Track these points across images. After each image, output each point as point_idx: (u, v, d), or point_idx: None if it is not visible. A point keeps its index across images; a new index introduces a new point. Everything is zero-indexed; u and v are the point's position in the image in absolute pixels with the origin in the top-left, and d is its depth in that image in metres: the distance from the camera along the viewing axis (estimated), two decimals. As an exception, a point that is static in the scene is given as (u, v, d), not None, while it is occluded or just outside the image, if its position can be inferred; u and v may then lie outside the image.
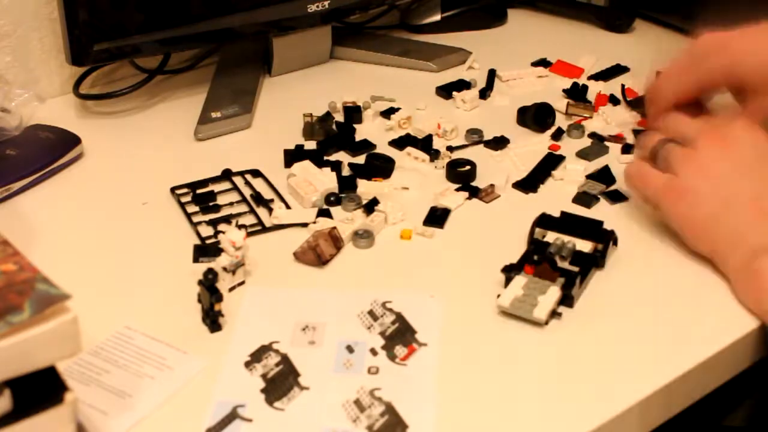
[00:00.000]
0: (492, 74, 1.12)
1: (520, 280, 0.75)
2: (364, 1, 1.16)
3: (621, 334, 0.73)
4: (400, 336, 0.72)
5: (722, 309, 0.75)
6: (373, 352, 0.71)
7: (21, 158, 0.92)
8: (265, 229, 0.85)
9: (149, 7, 0.99)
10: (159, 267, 0.81)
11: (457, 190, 0.90)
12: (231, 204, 0.89)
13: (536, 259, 0.76)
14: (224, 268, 0.76)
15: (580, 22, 1.28)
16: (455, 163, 0.93)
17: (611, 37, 1.25)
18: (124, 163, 0.96)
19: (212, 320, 0.73)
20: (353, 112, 1.03)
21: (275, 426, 0.65)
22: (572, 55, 1.16)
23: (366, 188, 0.90)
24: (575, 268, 0.76)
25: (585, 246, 0.79)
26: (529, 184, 0.91)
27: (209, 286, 0.72)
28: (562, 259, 0.78)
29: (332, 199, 0.88)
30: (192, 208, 0.88)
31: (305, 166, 0.91)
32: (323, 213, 0.86)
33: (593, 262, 0.78)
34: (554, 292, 0.73)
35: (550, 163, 0.94)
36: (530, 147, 0.98)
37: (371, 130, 1.01)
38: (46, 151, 0.94)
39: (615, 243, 0.81)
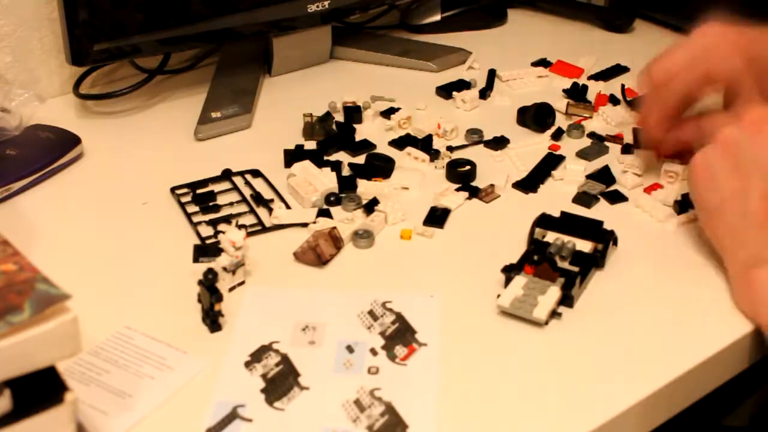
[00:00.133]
0: (492, 74, 1.12)
1: (520, 280, 0.75)
2: (364, 1, 1.16)
3: (621, 334, 0.73)
4: (400, 336, 0.72)
5: (721, 309, 0.75)
6: (373, 352, 0.71)
7: (21, 158, 0.92)
8: (265, 229, 0.85)
9: (149, 7, 0.99)
10: (159, 267, 0.81)
11: (457, 190, 0.90)
12: (231, 204, 0.89)
13: (536, 259, 0.76)
14: (224, 268, 0.76)
15: (580, 22, 1.28)
16: (455, 163, 0.93)
17: (611, 37, 1.25)
18: (124, 163, 0.96)
19: (212, 320, 0.73)
20: (353, 112, 1.03)
21: (275, 426, 0.65)
22: (572, 55, 1.16)
23: (366, 188, 0.90)
24: (575, 268, 0.76)
25: (585, 246, 0.79)
26: (529, 184, 0.91)
27: (209, 286, 0.72)
28: (562, 259, 0.78)
29: (332, 199, 0.88)
30: (192, 208, 0.88)
31: (305, 166, 0.91)
32: (323, 213, 0.86)
33: (593, 262, 0.78)
34: (554, 292, 0.73)
35: (550, 163, 0.94)
36: (530, 147, 0.98)
37: (371, 130, 1.01)
38: (46, 151, 0.94)
39: (615, 243, 0.81)
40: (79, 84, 1.05)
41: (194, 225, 0.85)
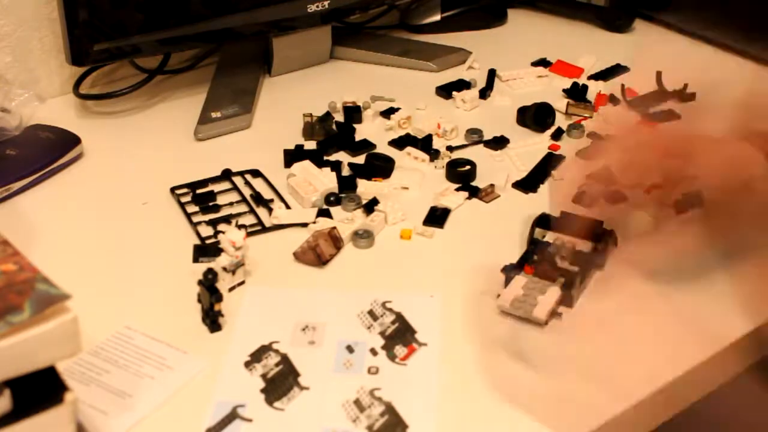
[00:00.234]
0: (492, 74, 1.12)
1: (520, 280, 0.75)
2: (364, 1, 1.16)
3: (621, 333, 0.73)
4: (400, 336, 0.72)
5: (721, 310, 0.75)
6: (373, 352, 0.71)
7: (21, 158, 0.92)
8: (265, 229, 0.85)
9: (149, 7, 0.99)
10: (159, 267, 0.81)
11: (457, 190, 0.90)
12: (231, 204, 0.89)
13: (536, 259, 0.76)
14: (224, 268, 0.76)
15: (580, 22, 1.28)
16: (455, 163, 0.93)
17: (611, 37, 1.25)
18: (124, 163, 0.96)
19: (212, 320, 0.73)
20: (353, 112, 1.03)
21: (275, 426, 0.65)
22: (572, 55, 1.16)
23: (366, 188, 0.90)
24: (575, 268, 0.76)
25: (585, 246, 0.79)
26: (529, 184, 0.91)
27: (209, 286, 0.72)
28: (562, 259, 0.78)
29: (332, 199, 0.88)
30: (192, 208, 0.88)
31: (305, 166, 0.91)
32: (323, 213, 0.86)
33: (593, 262, 0.78)
34: (554, 292, 0.73)
35: (550, 162, 0.94)
36: (530, 147, 0.98)
37: (371, 130, 1.01)
38: (46, 151, 0.94)
39: (615, 243, 0.80)
40: (79, 84, 1.05)
41: (194, 225, 0.85)
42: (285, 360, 0.70)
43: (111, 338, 0.72)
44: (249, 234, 0.82)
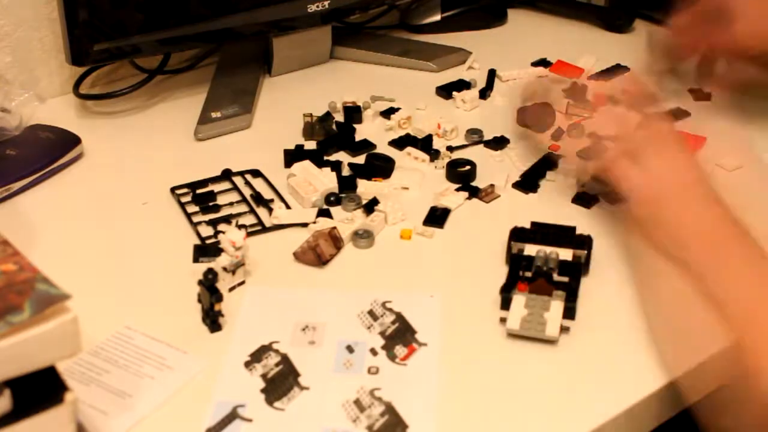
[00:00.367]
0: (492, 74, 1.12)
1: (520, 299, 0.73)
2: (364, 1, 1.16)
3: (619, 333, 0.73)
4: (400, 336, 0.72)
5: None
6: (373, 352, 0.71)
7: (21, 158, 0.92)
8: (265, 229, 0.85)
9: (149, 7, 0.99)
10: (159, 267, 0.81)
11: (457, 190, 0.90)
12: (231, 204, 0.88)
13: (531, 276, 0.75)
14: (224, 268, 0.76)
15: (580, 22, 1.28)
16: (455, 163, 0.93)
17: (611, 37, 1.25)
18: (124, 163, 0.96)
19: (212, 320, 0.73)
20: (353, 112, 1.02)
21: (275, 426, 0.65)
22: (572, 55, 1.16)
23: (366, 188, 0.90)
24: (564, 278, 0.75)
25: (565, 254, 0.78)
26: (529, 184, 0.91)
27: (209, 286, 0.72)
28: (550, 271, 0.76)
29: (332, 199, 0.88)
30: (192, 208, 0.88)
31: (305, 166, 0.91)
32: (323, 213, 0.86)
33: (580, 269, 0.77)
34: (557, 306, 0.72)
35: (549, 163, 0.94)
36: (530, 147, 0.98)
37: (371, 130, 1.01)
38: (46, 151, 0.94)
39: (591, 247, 0.79)
40: (79, 84, 1.05)
41: (194, 225, 0.85)
42: (285, 360, 0.70)
43: (111, 338, 0.72)
44: (249, 234, 0.82)
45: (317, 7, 1.10)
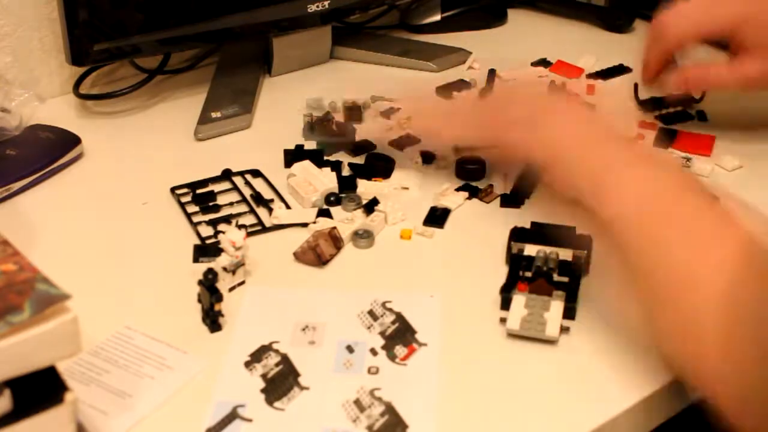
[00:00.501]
0: (492, 74, 1.12)
1: (520, 299, 0.73)
2: (364, 1, 1.16)
3: (618, 334, 0.73)
4: (400, 336, 0.72)
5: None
6: (373, 352, 0.71)
7: (21, 158, 0.92)
8: (265, 229, 0.85)
9: (149, 7, 0.99)
10: (159, 267, 0.81)
11: (458, 190, 0.90)
12: (231, 204, 0.89)
13: (531, 276, 0.75)
14: (224, 268, 0.76)
15: (580, 22, 1.28)
16: (464, 161, 0.92)
17: (611, 37, 1.25)
18: (124, 163, 0.96)
19: (212, 320, 0.73)
20: (354, 112, 1.02)
21: (275, 426, 0.65)
22: (572, 55, 1.16)
23: (366, 188, 0.90)
24: (564, 278, 0.75)
25: (565, 254, 0.78)
26: (515, 198, 0.89)
27: (209, 286, 0.72)
28: (550, 271, 0.76)
29: (332, 199, 0.88)
30: (192, 208, 0.88)
31: (305, 166, 0.91)
32: (323, 213, 0.86)
33: (581, 269, 0.77)
34: (557, 306, 0.72)
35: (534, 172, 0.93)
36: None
37: (371, 130, 1.01)
38: (46, 151, 0.94)
39: (591, 247, 0.79)
40: (79, 84, 1.05)
41: (194, 225, 0.85)
42: (285, 360, 0.70)
43: (111, 338, 0.72)
44: (249, 234, 0.82)
45: (317, 7, 1.10)
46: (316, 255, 0.80)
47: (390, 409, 0.66)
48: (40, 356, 0.56)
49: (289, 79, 1.13)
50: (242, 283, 0.78)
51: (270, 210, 0.87)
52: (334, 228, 0.82)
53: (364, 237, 0.83)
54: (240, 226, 0.84)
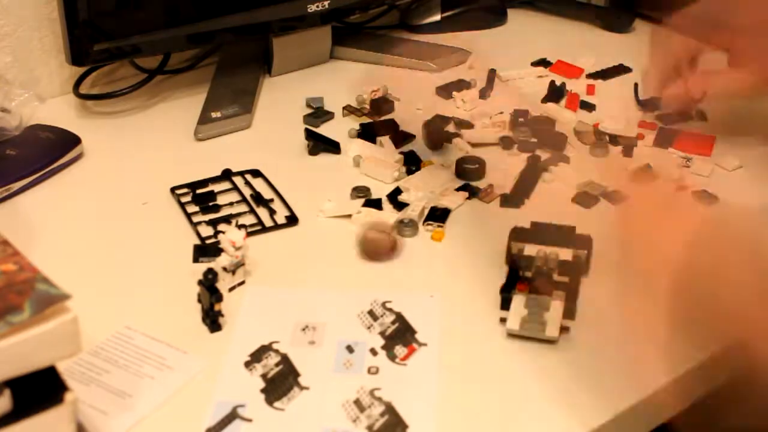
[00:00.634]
0: (492, 74, 1.12)
1: (520, 299, 0.73)
2: (364, 1, 1.16)
3: (618, 334, 0.73)
4: (400, 336, 0.72)
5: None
6: (373, 352, 0.71)
7: (21, 158, 0.92)
8: (265, 229, 0.85)
9: (149, 7, 0.99)
10: (159, 267, 0.81)
11: (458, 189, 0.90)
12: (231, 204, 0.89)
13: (531, 276, 0.75)
14: (224, 268, 0.76)
15: (580, 22, 1.28)
16: (464, 161, 0.92)
17: (611, 37, 1.25)
18: (124, 163, 0.96)
19: (212, 320, 0.73)
20: (382, 104, 1.03)
21: (275, 426, 0.65)
22: (572, 55, 1.16)
23: None
24: (564, 278, 0.75)
25: (565, 254, 0.77)
26: (515, 199, 0.89)
27: (209, 286, 0.72)
28: (551, 271, 0.76)
29: (414, 168, 0.92)
30: (192, 208, 0.88)
31: (360, 145, 0.94)
32: (370, 203, 0.87)
33: (581, 269, 0.77)
34: (557, 306, 0.72)
35: (534, 173, 0.93)
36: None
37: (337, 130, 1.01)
38: (46, 151, 0.94)
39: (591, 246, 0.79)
40: (79, 84, 1.05)
41: (194, 225, 0.85)
42: (285, 360, 0.70)
43: (111, 338, 0.72)
44: (249, 234, 0.82)
45: (317, 7, 1.10)
46: (392, 247, 0.80)
47: (390, 409, 0.66)
48: (40, 356, 0.56)
49: (289, 79, 1.13)
50: (242, 283, 0.78)
51: (270, 210, 0.87)
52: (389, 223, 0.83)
53: (409, 226, 0.83)
54: (240, 226, 0.83)
